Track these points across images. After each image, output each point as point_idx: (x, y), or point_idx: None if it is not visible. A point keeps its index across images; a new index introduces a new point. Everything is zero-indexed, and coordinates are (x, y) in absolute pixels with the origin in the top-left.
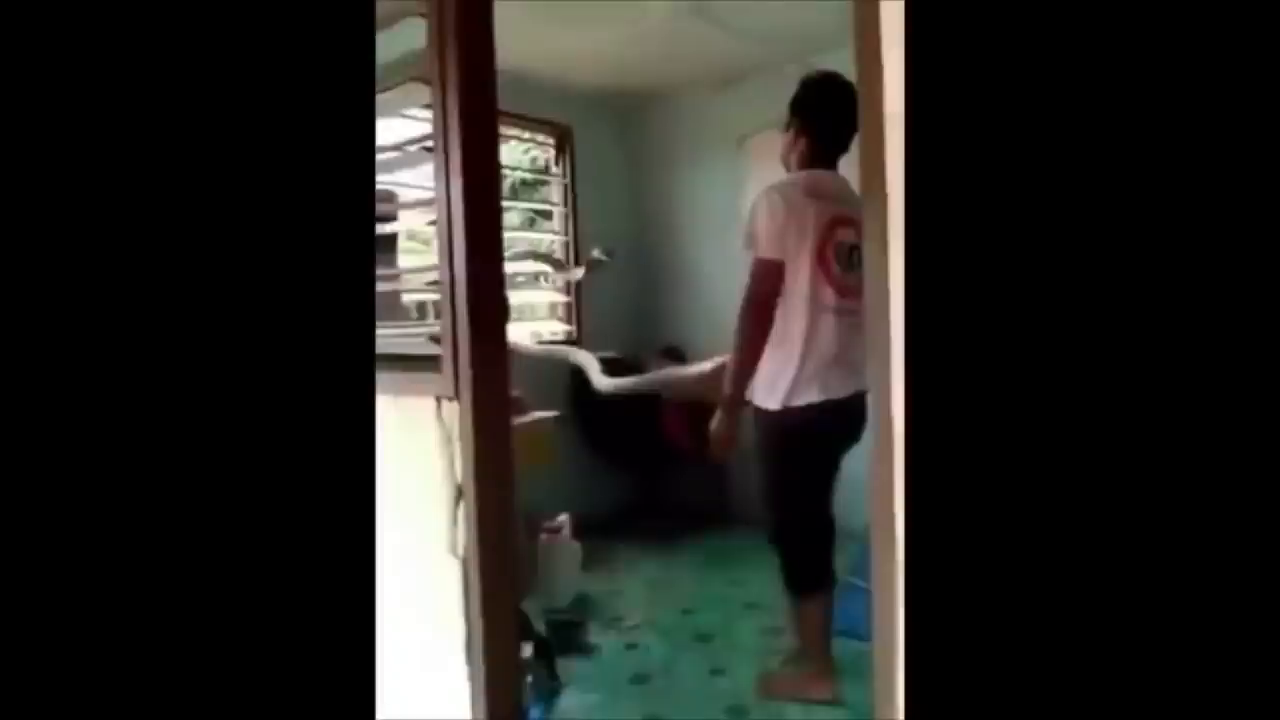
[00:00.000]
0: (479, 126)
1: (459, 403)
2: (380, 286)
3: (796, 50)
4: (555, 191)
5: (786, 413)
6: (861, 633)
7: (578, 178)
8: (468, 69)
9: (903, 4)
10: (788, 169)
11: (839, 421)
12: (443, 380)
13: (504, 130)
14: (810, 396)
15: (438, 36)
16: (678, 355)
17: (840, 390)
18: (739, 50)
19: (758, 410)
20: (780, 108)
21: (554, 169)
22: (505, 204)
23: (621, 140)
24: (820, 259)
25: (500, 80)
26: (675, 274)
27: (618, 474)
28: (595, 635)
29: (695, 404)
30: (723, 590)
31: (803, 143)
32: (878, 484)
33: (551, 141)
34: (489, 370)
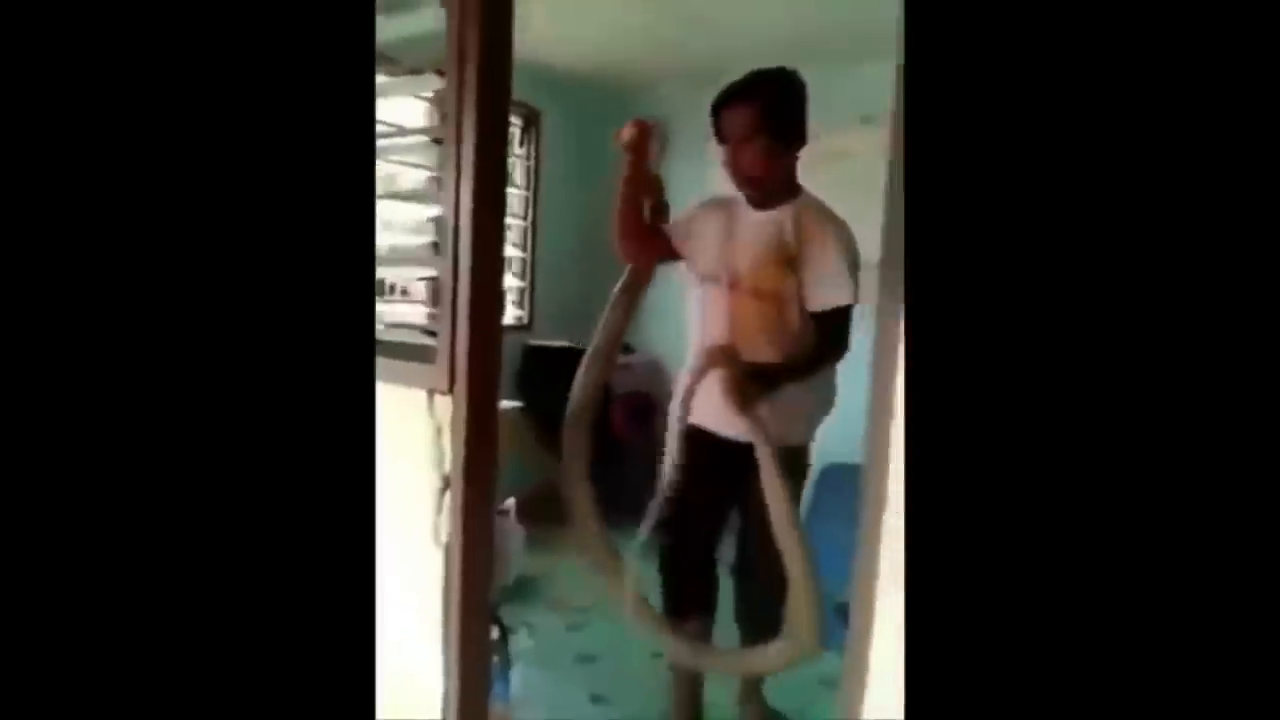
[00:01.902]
0: (493, 117)
1: (453, 397)
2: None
3: (777, 52)
4: (518, 173)
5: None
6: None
7: (543, 162)
8: (486, 58)
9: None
10: (770, 190)
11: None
12: (436, 373)
13: None
14: None
15: (458, 24)
16: (628, 349)
17: None
18: (718, 46)
19: (791, 449)
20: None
21: (518, 150)
22: None
23: (593, 129)
24: None
25: None
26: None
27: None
28: (538, 616)
29: (641, 399)
30: None
31: (791, 158)
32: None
33: (519, 123)
34: (484, 366)
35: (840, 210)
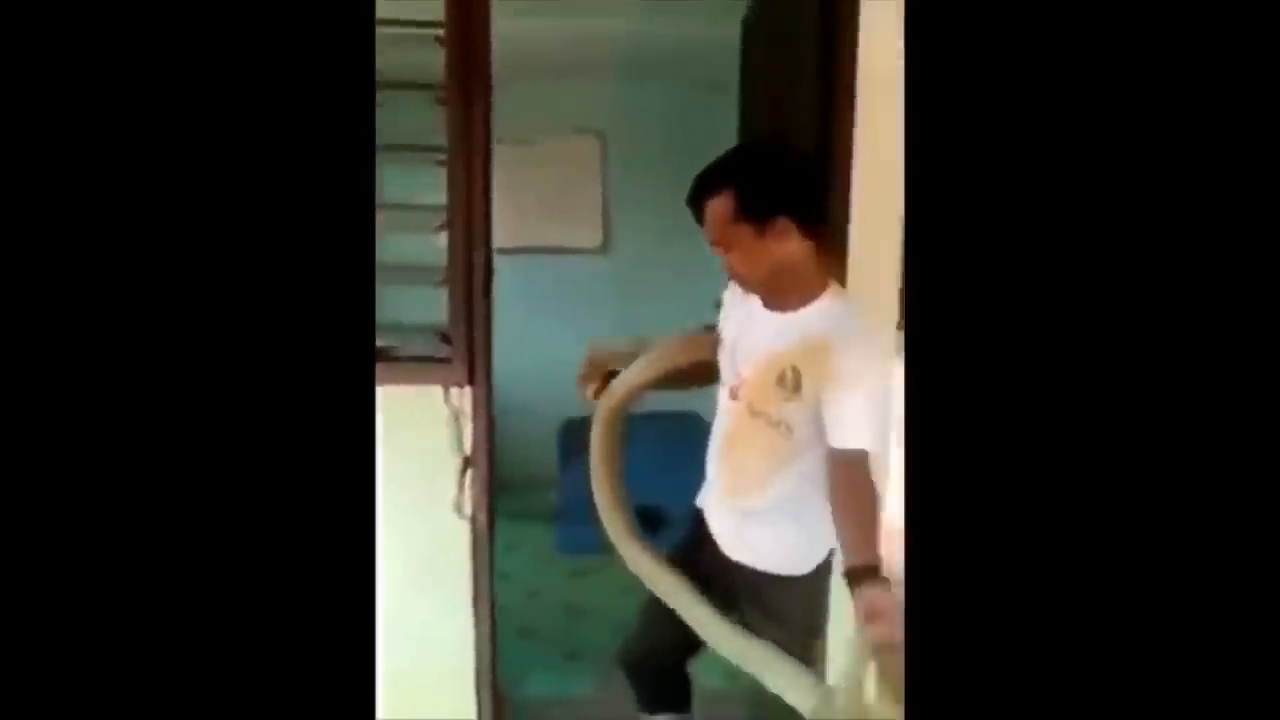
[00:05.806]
0: (488, 143)
1: (472, 387)
2: None
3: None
4: None
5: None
6: None
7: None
8: (485, 93)
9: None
10: (778, 293)
11: None
12: (454, 370)
13: None
14: None
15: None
16: None
17: None
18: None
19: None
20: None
21: None
22: None
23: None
24: None
25: None
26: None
27: None
28: None
29: None
30: None
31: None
32: None
33: None
34: (488, 362)
35: (555, 207)
